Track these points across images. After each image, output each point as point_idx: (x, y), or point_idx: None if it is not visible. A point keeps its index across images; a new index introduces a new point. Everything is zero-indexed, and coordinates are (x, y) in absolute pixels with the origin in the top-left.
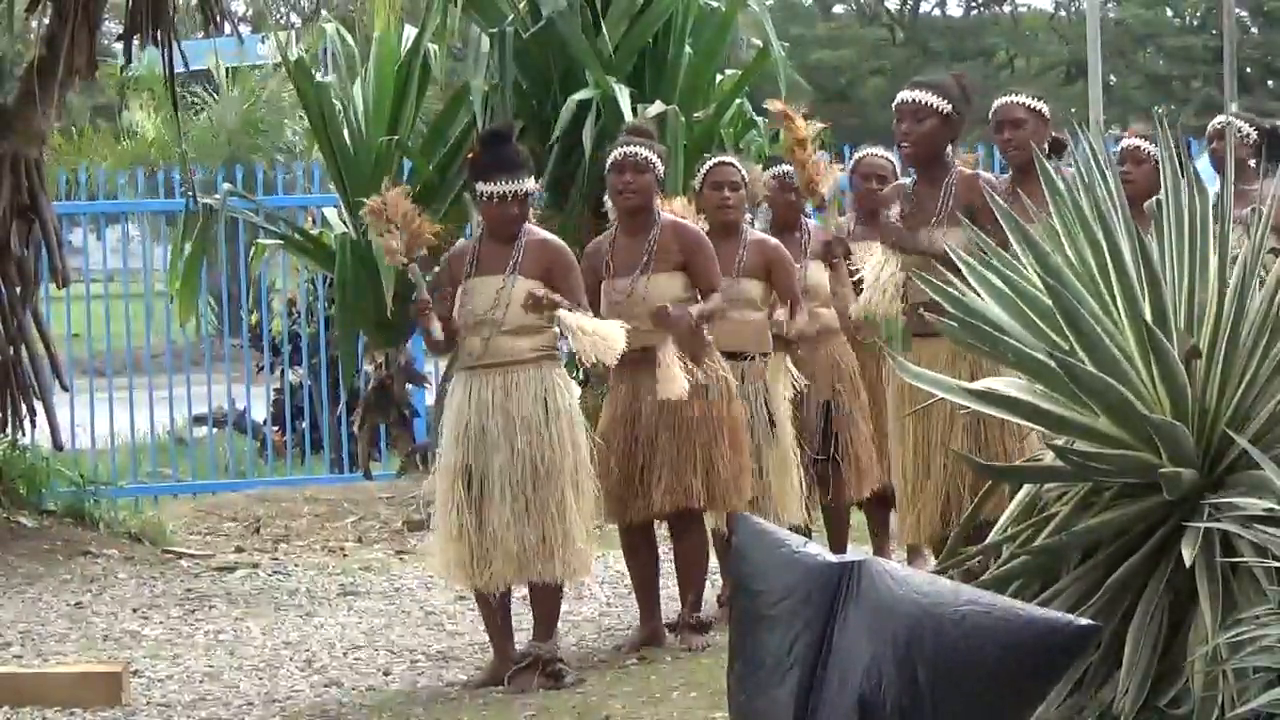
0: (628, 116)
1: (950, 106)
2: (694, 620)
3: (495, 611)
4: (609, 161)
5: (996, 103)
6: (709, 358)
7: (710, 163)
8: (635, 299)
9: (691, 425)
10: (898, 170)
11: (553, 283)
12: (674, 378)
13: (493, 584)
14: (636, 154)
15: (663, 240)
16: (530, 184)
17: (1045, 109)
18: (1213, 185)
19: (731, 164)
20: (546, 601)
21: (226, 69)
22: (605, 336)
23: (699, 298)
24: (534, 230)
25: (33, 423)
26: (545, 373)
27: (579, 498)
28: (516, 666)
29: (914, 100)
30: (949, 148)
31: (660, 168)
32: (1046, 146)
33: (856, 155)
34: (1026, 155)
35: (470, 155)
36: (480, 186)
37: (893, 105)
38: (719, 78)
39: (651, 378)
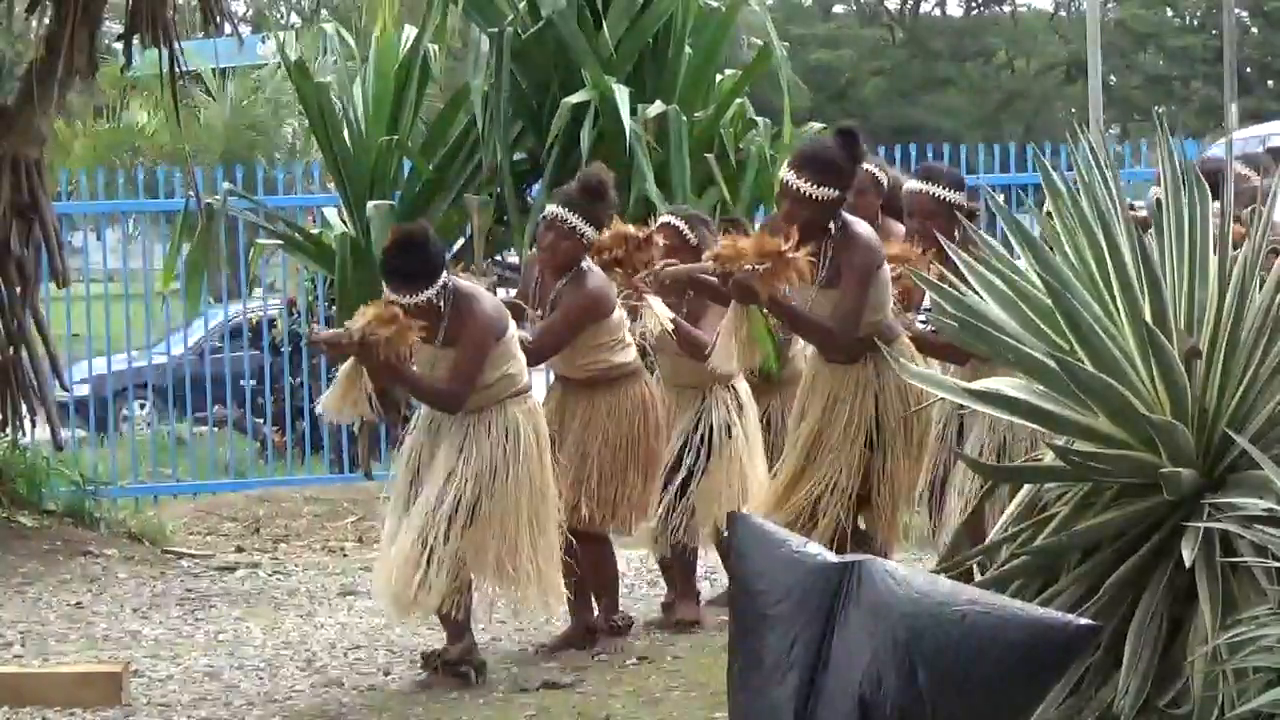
0: (625, 117)
1: (836, 193)
2: (611, 624)
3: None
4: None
5: (904, 189)
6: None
7: (660, 221)
8: None
9: (614, 448)
10: (882, 181)
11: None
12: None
13: (427, 606)
14: (556, 215)
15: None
16: (428, 292)
17: (951, 196)
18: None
19: (677, 226)
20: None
21: (225, 69)
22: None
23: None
24: (461, 299)
25: (33, 422)
26: (505, 414)
27: (542, 529)
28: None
29: (795, 189)
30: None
31: (589, 233)
32: (956, 235)
33: None
34: (934, 243)
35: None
36: (385, 288)
37: (780, 175)
38: (719, 78)
39: (576, 403)
